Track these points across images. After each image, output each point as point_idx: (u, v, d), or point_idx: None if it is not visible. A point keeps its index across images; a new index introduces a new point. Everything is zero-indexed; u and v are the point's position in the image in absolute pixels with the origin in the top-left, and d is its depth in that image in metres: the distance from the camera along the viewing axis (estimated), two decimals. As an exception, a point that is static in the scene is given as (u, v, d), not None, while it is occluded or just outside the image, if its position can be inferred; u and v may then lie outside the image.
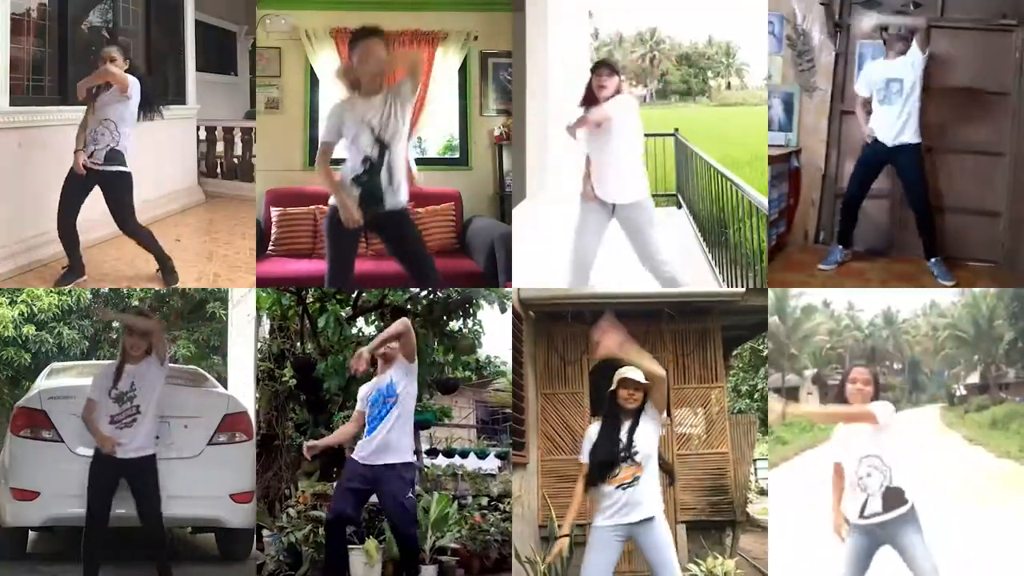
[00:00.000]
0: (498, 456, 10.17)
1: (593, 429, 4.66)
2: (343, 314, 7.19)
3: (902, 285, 6.83)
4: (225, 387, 6.66)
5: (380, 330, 7.29)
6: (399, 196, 5.33)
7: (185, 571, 5.43)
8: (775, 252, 7.02)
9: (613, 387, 4.60)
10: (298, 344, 7.17)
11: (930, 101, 6.61)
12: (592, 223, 5.76)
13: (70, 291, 10.83)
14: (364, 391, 5.13)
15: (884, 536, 4.37)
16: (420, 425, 8.97)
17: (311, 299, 7.12)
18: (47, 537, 6.23)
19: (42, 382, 6.18)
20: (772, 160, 6.89)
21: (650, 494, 4.51)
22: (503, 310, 6.88)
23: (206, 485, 5.51)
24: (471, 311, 7.26)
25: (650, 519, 4.46)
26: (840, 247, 6.89)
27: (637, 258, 5.79)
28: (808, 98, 7.21)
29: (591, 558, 4.51)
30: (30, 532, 5.86)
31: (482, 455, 10.11)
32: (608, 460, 4.49)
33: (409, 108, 5.36)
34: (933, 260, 6.65)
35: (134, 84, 5.97)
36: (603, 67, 5.68)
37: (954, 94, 6.82)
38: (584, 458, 4.62)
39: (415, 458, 5.09)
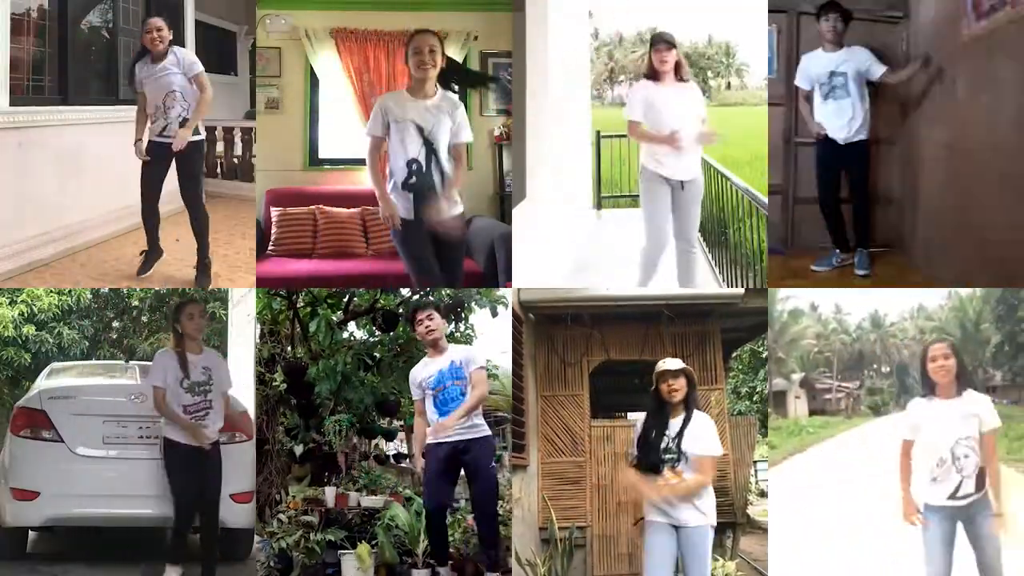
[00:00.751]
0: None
1: (640, 425, 4.62)
2: (334, 318, 7.15)
3: (798, 278, 6.83)
4: (225, 387, 6.65)
5: (372, 334, 7.29)
6: (455, 204, 5.28)
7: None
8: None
9: (654, 385, 4.56)
10: (289, 348, 7.13)
11: None
12: (663, 201, 5.96)
13: (70, 291, 10.83)
14: (419, 378, 5.10)
15: (962, 515, 4.32)
16: (411, 428, 8.97)
17: (302, 303, 7.08)
18: (47, 537, 6.23)
19: (42, 382, 6.17)
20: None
21: (697, 500, 4.47)
22: (494, 314, 6.87)
23: (206, 485, 5.50)
24: (463, 315, 7.24)
25: (695, 528, 4.45)
26: (837, 251, 6.84)
27: (673, 232, 6.02)
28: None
29: (653, 551, 4.49)
30: (30, 532, 5.85)
31: (473, 458, 10.11)
32: (653, 461, 4.46)
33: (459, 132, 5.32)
34: (860, 250, 6.66)
35: (181, 53, 6.10)
36: (661, 42, 5.84)
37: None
38: (633, 450, 4.60)
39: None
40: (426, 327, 5.08)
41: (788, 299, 26.32)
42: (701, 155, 6.14)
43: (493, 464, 5.09)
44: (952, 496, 4.32)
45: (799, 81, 6.61)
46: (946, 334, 26.84)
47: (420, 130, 5.14)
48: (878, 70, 6.38)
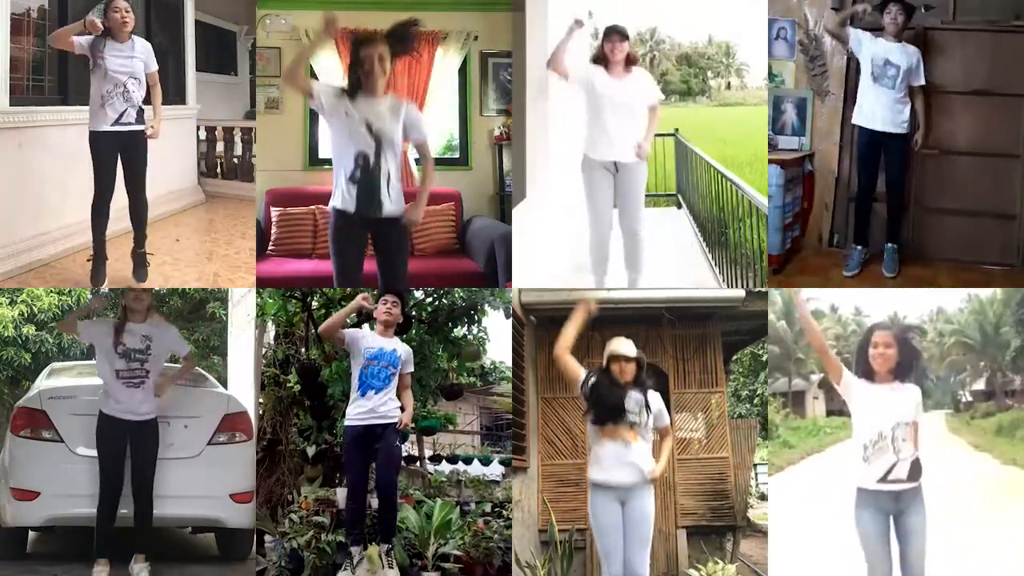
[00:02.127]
0: (502, 463, 10.16)
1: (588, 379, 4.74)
2: (348, 321, 7.15)
3: (917, 287, 6.80)
4: (225, 387, 6.64)
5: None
6: (398, 203, 5.27)
7: (185, 571, 5.43)
8: (790, 255, 7.01)
9: (604, 364, 4.71)
10: (303, 350, 7.14)
11: (944, 103, 6.65)
12: (603, 190, 6.04)
13: (70, 291, 10.82)
14: (362, 339, 5.24)
15: (892, 508, 4.36)
16: (425, 431, 8.89)
17: (316, 305, 7.08)
18: (47, 537, 6.23)
19: (42, 382, 6.16)
20: (786, 164, 6.87)
21: (644, 461, 4.66)
22: (508, 315, 6.83)
23: (206, 485, 5.50)
24: (476, 318, 7.21)
25: (641, 486, 4.64)
26: (858, 248, 6.81)
27: (617, 218, 6.14)
28: (821, 102, 7.20)
29: (604, 523, 4.67)
30: (30, 532, 5.85)
31: (486, 461, 10.11)
32: (616, 404, 4.62)
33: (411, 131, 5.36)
34: (889, 246, 6.67)
35: (143, 43, 6.05)
36: (615, 33, 5.94)
37: (968, 96, 6.76)
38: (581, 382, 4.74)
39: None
40: (387, 310, 5.27)
41: (809, 300, 26.28)
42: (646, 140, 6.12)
43: (397, 443, 5.30)
44: (883, 479, 4.33)
45: (852, 44, 6.52)
46: (966, 337, 26.83)
47: (369, 126, 5.13)
48: (918, 78, 6.43)
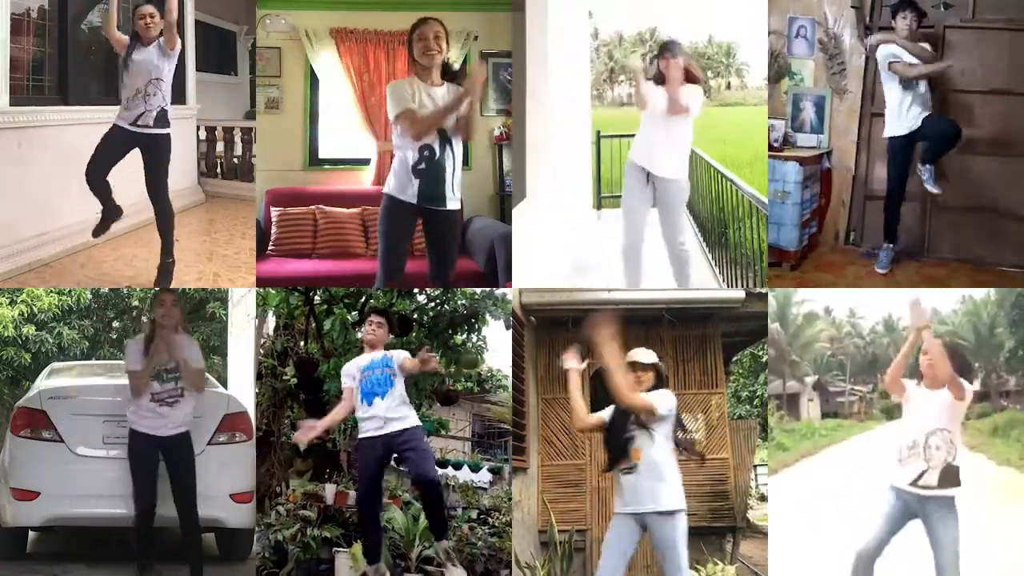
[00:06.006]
0: (491, 471, 10.14)
1: (607, 412, 4.57)
2: (350, 318, 7.13)
3: (931, 287, 6.85)
4: (225, 387, 6.64)
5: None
6: (457, 196, 5.23)
7: (185, 571, 5.41)
8: (807, 252, 7.05)
9: None
10: (302, 344, 7.12)
11: (963, 102, 6.68)
12: (641, 195, 5.95)
13: (70, 291, 10.82)
14: (351, 368, 5.01)
15: (920, 510, 4.40)
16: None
17: (319, 300, 7.07)
18: (47, 537, 6.22)
19: (42, 382, 6.16)
20: (805, 161, 6.91)
21: (659, 485, 4.42)
22: (508, 327, 6.80)
23: (206, 485, 5.48)
24: (476, 326, 7.18)
25: (661, 513, 4.40)
26: (889, 245, 6.80)
27: (661, 232, 6.04)
28: (839, 100, 7.26)
29: (607, 539, 4.49)
30: (30, 532, 5.85)
31: (475, 468, 10.08)
32: (619, 444, 4.43)
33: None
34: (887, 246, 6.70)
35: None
36: (675, 49, 5.75)
37: (986, 95, 6.76)
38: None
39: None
40: (371, 330, 5.05)
41: (803, 302, 26.22)
42: (687, 159, 6.09)
43: (426, 440, 4.99)
44: (914, 483, 4.40)
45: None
46: (960, 338, 26.83)
47: None
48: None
